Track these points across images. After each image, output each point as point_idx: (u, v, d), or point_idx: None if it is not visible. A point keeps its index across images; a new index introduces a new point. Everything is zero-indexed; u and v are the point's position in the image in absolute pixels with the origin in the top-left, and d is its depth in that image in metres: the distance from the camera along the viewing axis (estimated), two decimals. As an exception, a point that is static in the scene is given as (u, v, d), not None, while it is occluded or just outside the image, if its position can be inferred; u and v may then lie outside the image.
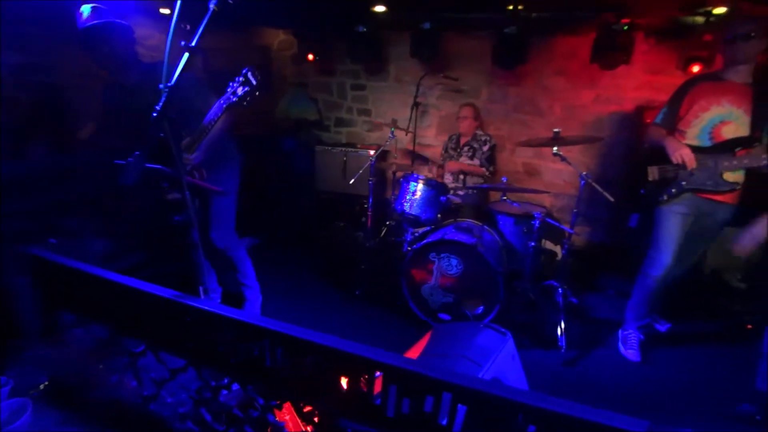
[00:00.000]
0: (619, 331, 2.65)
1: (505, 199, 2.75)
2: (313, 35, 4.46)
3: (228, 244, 2.53)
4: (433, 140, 4.35)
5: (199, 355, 1.19)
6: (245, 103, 1.79)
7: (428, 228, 3.05)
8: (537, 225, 2.62)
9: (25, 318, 1.30)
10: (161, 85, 1.26)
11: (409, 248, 3.04)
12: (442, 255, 2.69)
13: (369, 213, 3.31)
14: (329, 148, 4.31)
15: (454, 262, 2.67)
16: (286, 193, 4.28)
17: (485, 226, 3.01)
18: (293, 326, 0.99)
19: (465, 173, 3.56)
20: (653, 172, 2.36)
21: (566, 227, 2.72)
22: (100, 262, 1.32)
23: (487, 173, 3.56)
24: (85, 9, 1.93)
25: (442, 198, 2.92)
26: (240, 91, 1.75)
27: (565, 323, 2.63)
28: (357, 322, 2.86)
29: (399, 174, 3.84)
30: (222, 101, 1.83)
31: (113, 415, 1.28)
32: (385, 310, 2.98)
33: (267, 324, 1.01)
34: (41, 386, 1.26)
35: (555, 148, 2.56)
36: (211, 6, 1.28)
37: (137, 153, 1.22)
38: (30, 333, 1.30)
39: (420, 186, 2.94)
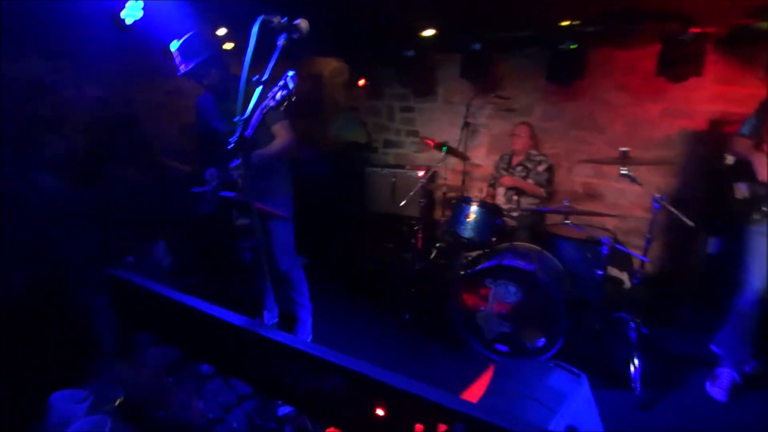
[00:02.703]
0: (716, 370, 2.36)
1: (567, 222, 2.59)
2: (363, 61, 4.58)
3: (289, 266, 2.57)
4: (483, 160, 4.26)
5: (266, 384, 1.19)
6: (281, 109, 1.81)
7: (482, 252, 2.93)
8: (605, 251, 2.43)
9: (103, 336, 1.36)
10: (235, 119, 1.32)
11: (461, 272, 2.94)
12: (499, 281, 2.56)
13: (419, 235, 3.26)
14: (378, 169, 4.35)
15: (511, 289, 2.53)
16: (336, 214, 4.34)
17: (544, 251, 2.85)
18: (366, 364, 0.95)
19: (520, 191, 3.42)
20: (742, 190, 2.13)
21: (638, 254, 2.50)
22: (170, 281, 1.38)
23: (544, 194, 3.39)
24: (174, 47, 2.07)
25: (497, 221, 2.81)
26: (278, 95, 1.77)
27: (638, 360, 2.39)
28: (407, 348, 2.77)
29: (450, 195, 3.78)
30: (262, 106, 1.86)
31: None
32: (435, 337, 2.87)
33: (339, 360, 0.97)
34: (117, 402, 1.30)
35: (624, 169, 2.39)
36: (280, 43, 1.33)
37: (214, 183, 1.26)
38: (108, 351, 1.36)
39: (474, 208, 2.85)
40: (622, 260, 3.25)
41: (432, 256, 3.57)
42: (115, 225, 2.18)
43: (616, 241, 2.56)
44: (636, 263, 2.50)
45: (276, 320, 2.96)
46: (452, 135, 4.31)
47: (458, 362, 2.61)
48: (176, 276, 2.51)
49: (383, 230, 4.25)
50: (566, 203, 2.66)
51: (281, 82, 1.79)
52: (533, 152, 3.55)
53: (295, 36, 1.33)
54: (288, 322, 2.88)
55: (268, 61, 1.26)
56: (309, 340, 2.78)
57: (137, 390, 1.31)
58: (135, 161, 2.64)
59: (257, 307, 1.50)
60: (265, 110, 1.87)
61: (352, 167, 4.57)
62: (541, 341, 2.51)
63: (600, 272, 2.50)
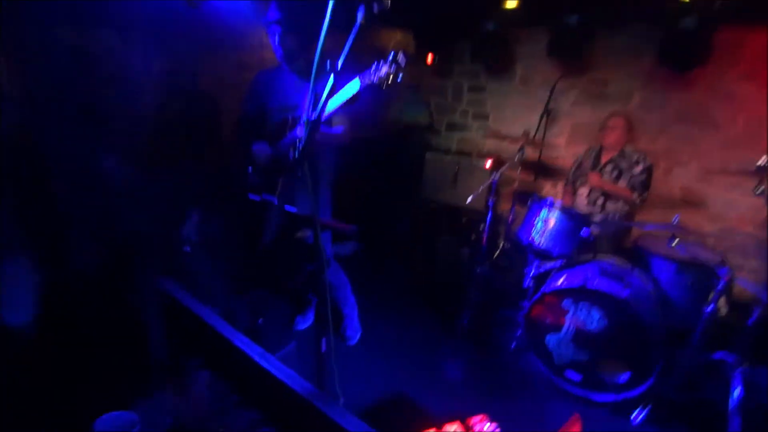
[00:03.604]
0: None
1: (675, 244, 2.16)
2: (432, 35, 4.15)
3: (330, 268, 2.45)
4: (562, 151, 3.77)
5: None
6: (384, 86, 1.54)
7: (559, 263, 2.58)
8: (722, 285, 2.00)
9: (155, 355, 1.25)
10: (303, 119, 1.09)
11: (532, 285, 2.62)
12: (581, 304, 2.22)
13: (485, 235, 2.95)
14: (441, 155, 4.00)
15: (596, 315, 2.19)
16: (391, 199, 4.10)
17: (636, 270, 2.44)
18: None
19: (607, 195, 2.97)
20: None
21: (762, 291, 2.04)
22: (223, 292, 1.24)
23: (638, 201, 2.91)
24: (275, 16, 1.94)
25: (583, 232, 2.43)
26: (384, 70, 1.48)
27: (740, 416, 1.99)
28: (461, 362, 2.55)
29: (520, 190, 3.39)
30: (361, 75, 1.59)
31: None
32: (494, 352, 2.62)
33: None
34: (164, 430, 1.20)
35: (761, 188, 1.91)
36: (360, 17, 1.07)
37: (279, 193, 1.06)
38: (158, 370, 1.25)
39: (555, 214, 2.48)
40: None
41: (494, 256, 3.26)
42: (180, 207, 2.08)
43: (734, 275, 2.11)
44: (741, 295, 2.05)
45: (310, 323, 2.85)
46: (526, 120, 3.86)
47: (520, 388, 2.36)
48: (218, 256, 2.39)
49: (440, 221, 3.96)
50: (676, 221, 2.22)
51: (389, 58, 1.52)
52: (628, 149, 3.04)
53: (377, 10, 1.06)
54: (334, 317, 2.76)
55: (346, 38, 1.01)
56: (358, 336, 2.65)
57: (185, 418, 1.20)
58: (202, 140, 2.51)
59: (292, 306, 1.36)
60: (364, 81, 1.61)
61: (411, 151, 4.26)
62: (624, 377, 2.17)
63: (710, 308, 2.08)
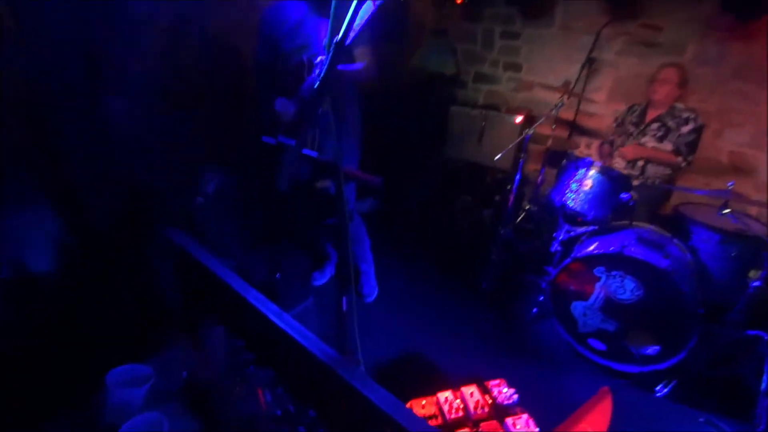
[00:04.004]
0: None
1: (726, 213, 1.97)
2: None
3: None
4: (601, 108, 3.46)
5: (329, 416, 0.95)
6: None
7: (592, 228, 2.42)
8: (775, 259, 1.83)
9: (169, 309, 1.18)
10: (326, 40, 0.92)
11: (560, 249, 2.48)
12: (614, 273, 2.09)
13: (512, 196, 2.78)
14: (467, 109, 3.73)
15: (630, 285, 2.06)
16: (411, 155, 3.90)
17: (675, 240, 2.27)
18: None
19: (648, 160, 2.73)
20: None
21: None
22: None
23: (683, 163, 2.67)
24: None
25: (623, 196, 2.24)
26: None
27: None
28: (480, 325, 2.48)
29: (553, 149, 3.15)
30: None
31: (240, 427, 1.13)
32: (514, 315, 2.54)
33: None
34: (179, 386, 1.16)
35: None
36: None
37: (296, 141, 0.91)
38: (172, 324, 1.18)
39: (593, 174, 2.29)
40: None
41: (518, 219, 3.11)
42: (195, 158, 1.96)
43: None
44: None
45: (328, 278, 2.79)
46: (564, 73, 3.53)
47: (540, 354, 2.29)
48: (233, 206, 2.29)
49: (462, 179, 3.77)
50: (731, 186, 2.01)
51: None
52: (679, 105, 2.75)
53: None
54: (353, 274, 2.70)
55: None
56: (375, 293, 2.60)
57: (199, 374, 1.15)
58: (219, 88, 2.32)
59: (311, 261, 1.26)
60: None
61: (434, 103, 3.99)
62: (653, 349, 2.08)
63: (756, 283, 1.93)
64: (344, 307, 1.27)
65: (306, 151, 0.99)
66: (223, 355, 1.14)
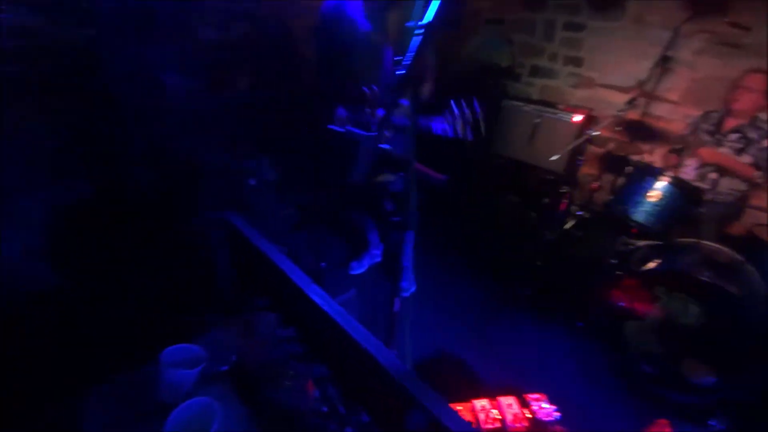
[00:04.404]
0: None
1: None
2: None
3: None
4: (671, 111, 3.19)
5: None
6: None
7: (653, 243, 2.25)
8: None
9: (221, 290, 1.17)
10: (410, 23, 0.85)
11: (616, 262, 2.33)
12: (678, 295, 1.93)
13: (566, 200, 2.63)
14: (520, 104, 3.55)
15: (693, 310, 1.90)
16: (457, 150, 3.77)
17: (748, 265, 2.07)
18: None
19: (723, 170, 2.49)
20: None
21: None
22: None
23: (759, 179, 2.42)
24: None
25: (693, 210, 2.06)
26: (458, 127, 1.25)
27: None
28: (520, 333, 2.38)
29: (616, 153, 2.95)
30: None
31: (284, 419, 1.12)
32: (558, 327, 2.42)
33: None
34: (227, 369, 1.15)
35: None
36: None
37: (375, 134, 0.86)
38: (223, 306, 1.18)
39: (662, 185, 2.11)
40: None
41: (568, 225, 2.95)
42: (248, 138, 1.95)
43: None
44: None
45: (378, 259, 2.78)
46: (631, 71, 3.28)
47: (583, 371, 2.18)
48: (283, 191, 2.28)
49: (508, 179, 3.61)
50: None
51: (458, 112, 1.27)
52: (762, 116, 2.49)
53: None
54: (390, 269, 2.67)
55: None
56: (413, 289, 2.56)
57: (248, 357, 1.14)
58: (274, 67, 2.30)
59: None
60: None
61: (484, 96, 3.81)
62: (709, 380, 1.92)
63: None
64: (396, 307, 1.22)
65: (382, 146, 0.95)
66: (273, 343, 1.13)
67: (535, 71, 3.91)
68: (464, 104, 1.24)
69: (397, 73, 0.80)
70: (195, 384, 1.09)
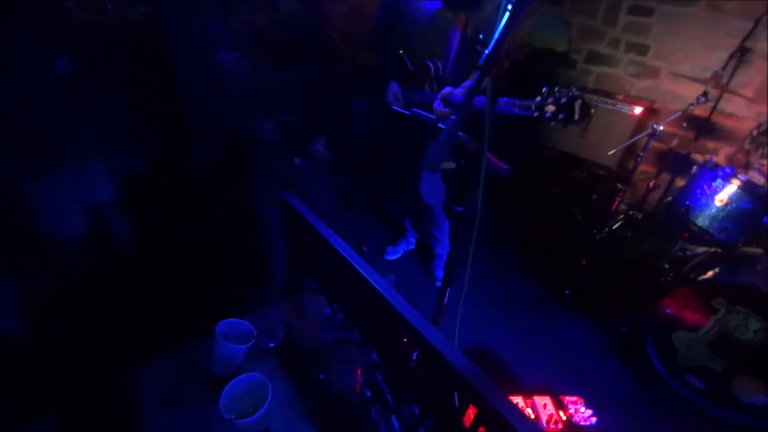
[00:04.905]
0: None
1: None
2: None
3: (436, 201, 2.28)
4: (743, 108, 2.92)
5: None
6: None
7: (714, 250, 2.10)
8: None
9: (273, 267, 1.19)
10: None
11: (669, 267, 2.20)
12: (738, 308, 1.80)
13: (618, 197, 2.48)
14: (575, 93, 3.34)
15: (755, 326, 1.77)
16: (503, 139, 3.63)
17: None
18: None
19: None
20: None
21: None
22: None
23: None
24: None
25: (766, 219, 1.89)
26: (550, 110, 1.19)
27: None
28: (558, 333, 2.30)
29: (678, 150, 2.75)
30: (512, 106, 1.29)
31: (329, 402, 1.14)
32: (600, 330, 2.33)
33: None
34: (275, 345, 1.18)
35: None
36: None
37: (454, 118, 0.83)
38: (275, 283, 1.19)
39: (733, 189, 1.95)
40: None
41: (615, 225, 2.80)
42: (300, 114, 1.94)
43: None
44: None
45: (413, 247, 2.75)
46: (702, 61, 3.01)
47: (624, 378, 2.09)
48: (333, 173, 2.28)
49: (555, 172, 3.46)
50: None
51: (564, 100, 1.19)
52: None
53: None
54: (425, 254, 2.64)
55: None
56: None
57: (296, 336, 1.16)
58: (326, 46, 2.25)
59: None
60: (515, 110, 1.31)
61: (536, 81, 3.63)
62: (762, 399, 1.81)
63: None
64: (446, 299, 1.20)
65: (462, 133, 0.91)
66: (321, 324, 1.14)
67: (593, 57, 3.66)
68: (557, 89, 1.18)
69: (486, 51, 0.75)
70: (244, 359, 1.12)
